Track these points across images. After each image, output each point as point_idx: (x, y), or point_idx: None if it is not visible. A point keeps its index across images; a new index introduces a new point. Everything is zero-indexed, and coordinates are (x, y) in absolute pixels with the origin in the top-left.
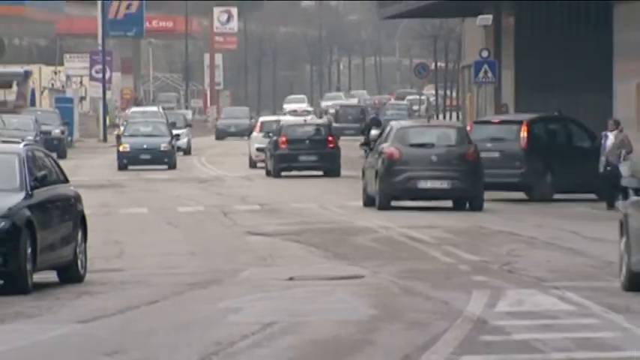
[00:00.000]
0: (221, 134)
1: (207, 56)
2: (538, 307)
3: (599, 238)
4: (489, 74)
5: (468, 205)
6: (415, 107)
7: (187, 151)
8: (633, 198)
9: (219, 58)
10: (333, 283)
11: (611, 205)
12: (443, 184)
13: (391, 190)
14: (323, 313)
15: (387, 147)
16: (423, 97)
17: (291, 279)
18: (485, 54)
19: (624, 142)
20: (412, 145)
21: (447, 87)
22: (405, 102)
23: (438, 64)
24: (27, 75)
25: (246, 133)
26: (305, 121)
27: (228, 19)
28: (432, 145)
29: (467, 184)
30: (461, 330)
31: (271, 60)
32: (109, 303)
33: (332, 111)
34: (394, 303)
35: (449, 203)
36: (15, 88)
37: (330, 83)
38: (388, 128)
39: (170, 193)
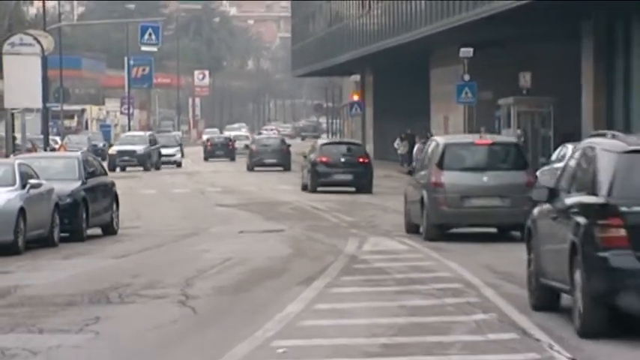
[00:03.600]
0: None
1: (190, 99)
2: (387, 247)
3: None
4: (358, 110)
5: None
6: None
7: (179, 164)
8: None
9: (197, 101)
10: (266, 234)
11: None
12: (273, 161)
13: (252, 163)
14: (260, 252)
15: (252, 146)
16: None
17: (241, 232)
18: (355, 98)
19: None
20: (261, 145)
21: (333, 118)
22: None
23: (328, 104)
24: (83, 111)
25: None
26: (222, 133)
27: (203, 77)
28: (269, 145)
29: (283, 160)
30: (342, 262)
31: (228, 101)
32: (132, 247)
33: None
34: (302, 246)
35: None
36: (75, 119)
37: (265, 116)
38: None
39: (169, 181)
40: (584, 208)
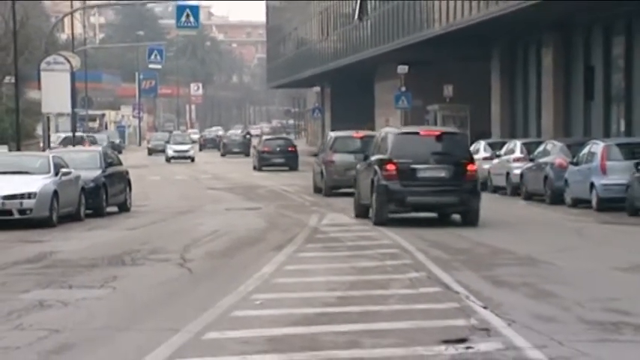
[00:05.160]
0: (151, 152)
1: (187, 106)
2: (342, 221)
3: None
4: (318, 114)
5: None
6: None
7: (192, 159)
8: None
9: (193, 107)
10: (247, 211)
11: None
12: (238, 150)
13: (224, 152)
14: (242, 225)
15: (224, 140)
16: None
17: (227, 209)
18: (317, 104)
19: None
20: (231, 140)
21: (299, 120)
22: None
23: (295, 109)
24: (103, 115)
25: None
26: (209, 132)
27: (198, 89)
28: (235, 140)
29: (245, 150)
30: (306, 232)
31: (217, 107)
32: (141, 221)
33: (258, 132)
34: (276, 220)
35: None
36: (97, 121)
37: (246, 120)
38: (225, 135)
39: (170, 169)
40: (378, 161)
